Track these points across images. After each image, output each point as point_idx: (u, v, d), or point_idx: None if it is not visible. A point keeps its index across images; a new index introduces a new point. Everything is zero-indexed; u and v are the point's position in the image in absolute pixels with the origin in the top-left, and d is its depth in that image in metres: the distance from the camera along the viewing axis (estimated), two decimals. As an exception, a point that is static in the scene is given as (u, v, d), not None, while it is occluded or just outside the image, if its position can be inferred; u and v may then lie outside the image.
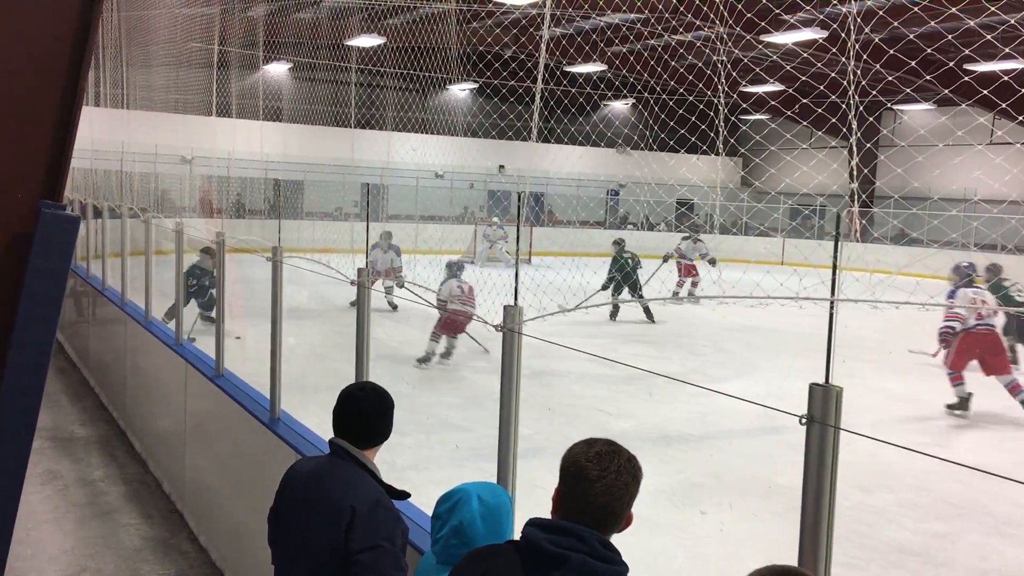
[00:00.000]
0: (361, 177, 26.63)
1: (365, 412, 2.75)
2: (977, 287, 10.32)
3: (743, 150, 31.59)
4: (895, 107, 30.39)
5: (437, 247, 18.81)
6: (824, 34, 13.52)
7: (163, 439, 7.05)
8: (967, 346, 9.55)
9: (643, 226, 32.87)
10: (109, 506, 6.51)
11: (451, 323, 10.97)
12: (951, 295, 10.43)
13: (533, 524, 1.90)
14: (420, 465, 6.93)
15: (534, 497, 2.81)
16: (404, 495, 2.82)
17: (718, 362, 12.14)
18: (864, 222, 26.74)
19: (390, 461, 6.61)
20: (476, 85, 30.50)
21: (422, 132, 28.07)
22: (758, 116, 28.02)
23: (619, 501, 1.89)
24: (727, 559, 5.52)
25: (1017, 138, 25.96)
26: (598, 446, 1.95)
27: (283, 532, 2.76)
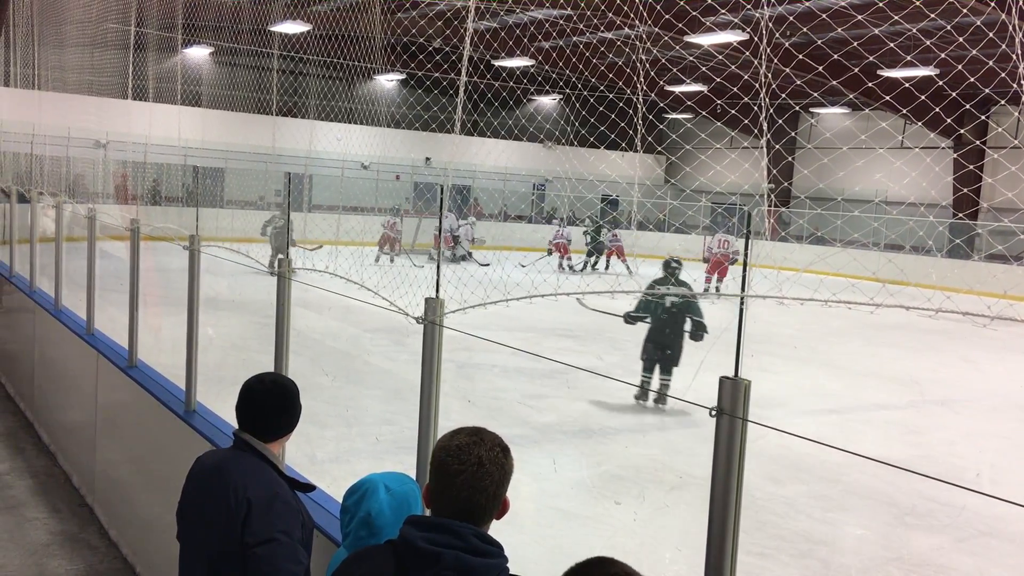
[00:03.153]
0: (285, 166, 26.21)
1: (266, 406, 2.69)
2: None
3: (660, 148, 32.13)
4: (812, 110, 31.27)
5: (359, 238, 18.64)
6: (741, 37, 13.82)
7: (73, 431, 6.84)
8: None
9: (569, 221, 33.18)
10: (15, 500, 6.28)
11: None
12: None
13: (410, 522, 1.86)
14: (341, 458, 6.88)
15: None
16: (309, 487, 2.78)
17: (640, 356, 12.30)
18: (773, 221, 27.56)
19: (310, 454, 6.54)
20: (402, 76, 30.28)
21: (347, 122, 27.72)
22: (677, 115, 28.48)
23: (483, 493, 1.85)
24: (643, 549, 5.62)
25: (928, 143, 26.96)
26: (459, 437, 1.90)
27: (186, 527, 2.71)
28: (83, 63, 14.19)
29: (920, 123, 17.94)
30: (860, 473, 7.21)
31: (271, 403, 2.70)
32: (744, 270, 2.04)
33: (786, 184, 30.53)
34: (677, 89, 21.82)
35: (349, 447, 7.25)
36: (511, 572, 1.86)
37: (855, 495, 6.96)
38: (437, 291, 2.92)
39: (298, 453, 5.41)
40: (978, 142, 24.35)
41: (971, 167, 24.20)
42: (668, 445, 7.92)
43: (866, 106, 25.31)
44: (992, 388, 11.65)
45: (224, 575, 2.52)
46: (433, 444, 2.88)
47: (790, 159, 29.50)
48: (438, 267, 2.97)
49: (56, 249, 8.08)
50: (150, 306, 7.91)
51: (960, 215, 24.35)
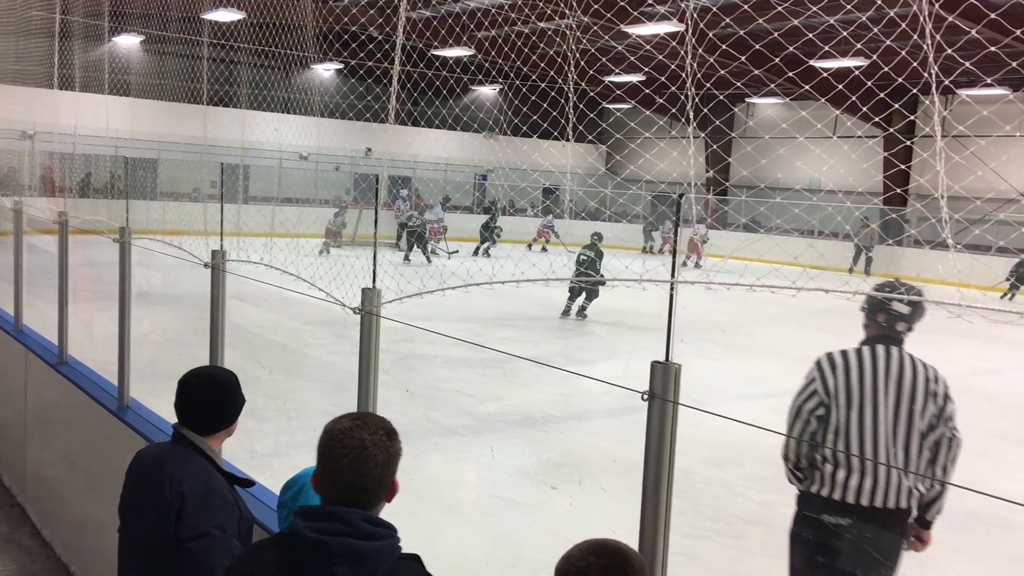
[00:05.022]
0: (220, 156, 25.73)
1: (202, 399, 2.67)
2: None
3: (591, 137, 32.39)
4: (748, 100, 31.78)
5: (294, 230, 18.45)
6: (673, 28, 14.01)
7: (2, 430, 6.66)
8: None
9: (507, 211, 33.22)
10: (-59, 503, 6.11)
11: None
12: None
13: (298, 512, 1.84)
14: (281, 452, 6.82)
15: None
16: (248, 482, 2.77)
17: (582, 345, 12.43)
18: (700, 208, 28.18)
19: (249, 448, 6.48)
20: (340, 65, 29.92)
21: (283, 111, 27.29)
22: (611, 105, 28.75)
23: (366, 476, 1.83)
24: (585, 535, 5.68)
25: (846, 131, 27.65)
26: (343, 422, 1.89)
27: (125, 522, 2.69)
28: (7, 51, 13.77)
29: (840, 111, 18.50)
30: (794, 454, 7.37)
31: (207, 396, 2.68)
32: (673, 257, 2.09)
33: (712, 173, 31.05)
34: (610, 79, 22.01)
35: (289, 441, 7.19)
36: (410, 551, 1.85)
37: (790, 476, 7.12)
38: (374, 281, 2.92)
39: (237, 447, 5.34)
40: (892, 130, 25.11)
41: (886, 154, 24.94)
42: (610, 432, 8.01)
43: (789, 95, 25.99)
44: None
45: (161, 569, 2.51)
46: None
47: (715, 147, 30.09)
48: (374, 257, 2.97)
49: (-20, 244, 7.85)
50: (81, 301, 7.74)
51: (875, 201, 25.15)
